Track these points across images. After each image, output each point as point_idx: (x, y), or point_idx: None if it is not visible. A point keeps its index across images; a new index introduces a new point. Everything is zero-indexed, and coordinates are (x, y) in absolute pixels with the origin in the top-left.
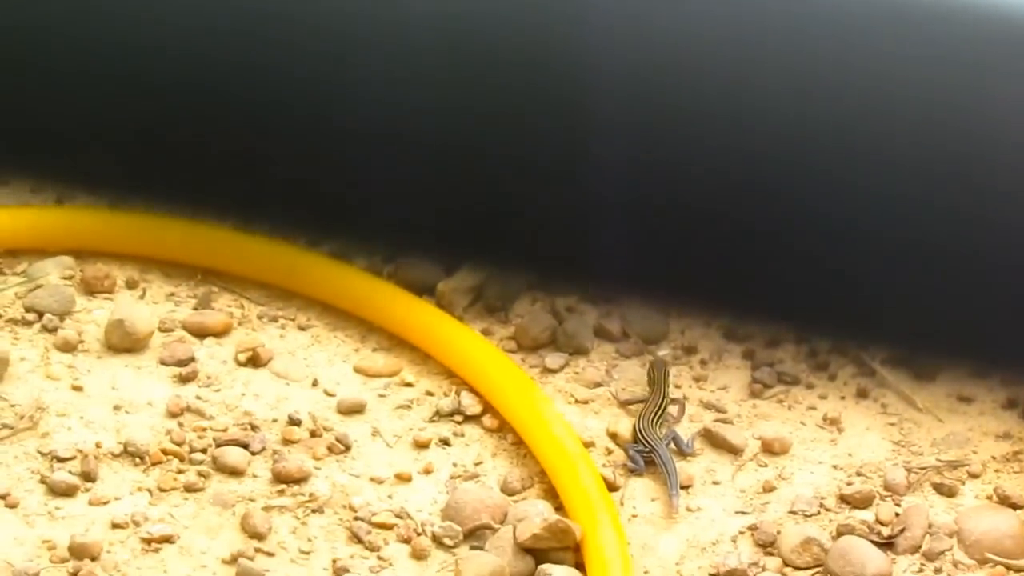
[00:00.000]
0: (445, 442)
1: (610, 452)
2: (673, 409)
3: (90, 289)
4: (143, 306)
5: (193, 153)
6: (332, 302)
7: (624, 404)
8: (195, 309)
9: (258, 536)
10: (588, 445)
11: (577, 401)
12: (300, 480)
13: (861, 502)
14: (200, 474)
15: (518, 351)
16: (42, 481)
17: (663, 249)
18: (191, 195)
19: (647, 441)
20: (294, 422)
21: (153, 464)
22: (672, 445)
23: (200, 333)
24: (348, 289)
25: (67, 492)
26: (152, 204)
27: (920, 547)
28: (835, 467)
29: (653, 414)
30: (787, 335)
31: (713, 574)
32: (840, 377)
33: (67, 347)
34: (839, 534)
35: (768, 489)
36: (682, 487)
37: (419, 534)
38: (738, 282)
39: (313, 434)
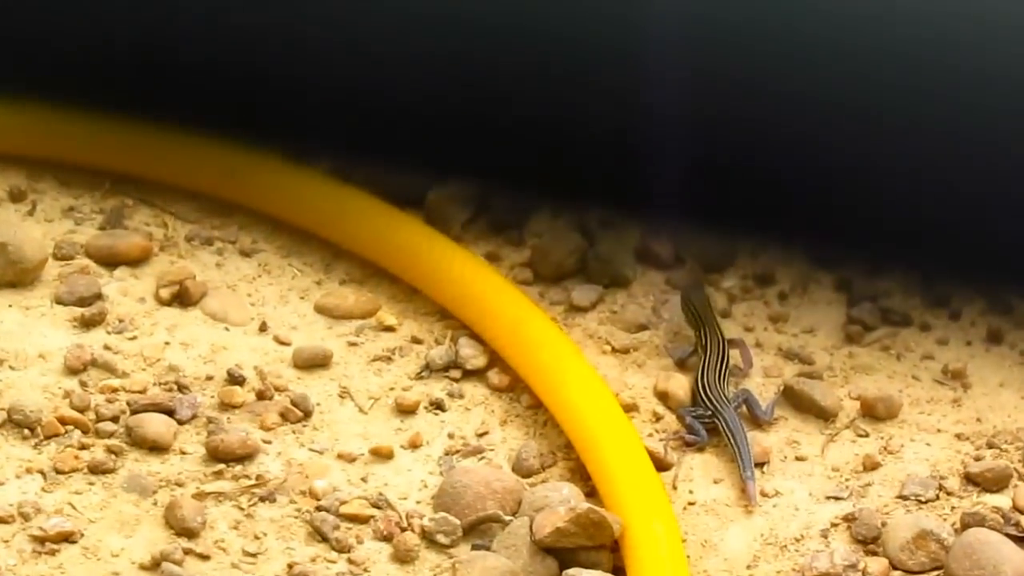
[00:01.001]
0: (438, 406)
1: (659, 418)
2: (736, 355)
3: None
4: (32, 225)
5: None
6: (286, 218)
7: (680, 362)
8: (102, 229)
9: (188, 533)
10: (629, 409)
11: (615, 350)
12: (244, 458)
13: (993, 483)
14: (110, 450)
15: (535, 282)
16: None
17: (725, 149)
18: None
19: (710, 403)
20: (235, 380)
21: (47, 437)
22: (743, 409)
23: (109, 261)
24: (307, 200)
25: None
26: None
27: None
28: (959, 437)
29: (716, 366)
30: (894, 261)
31: None
32: (966, 316)
33: None
34: (964, 526)
35: (870, 467)
36: (756, 465)
37: (404, 529)
38: (830, 191)
39: (261, 396)
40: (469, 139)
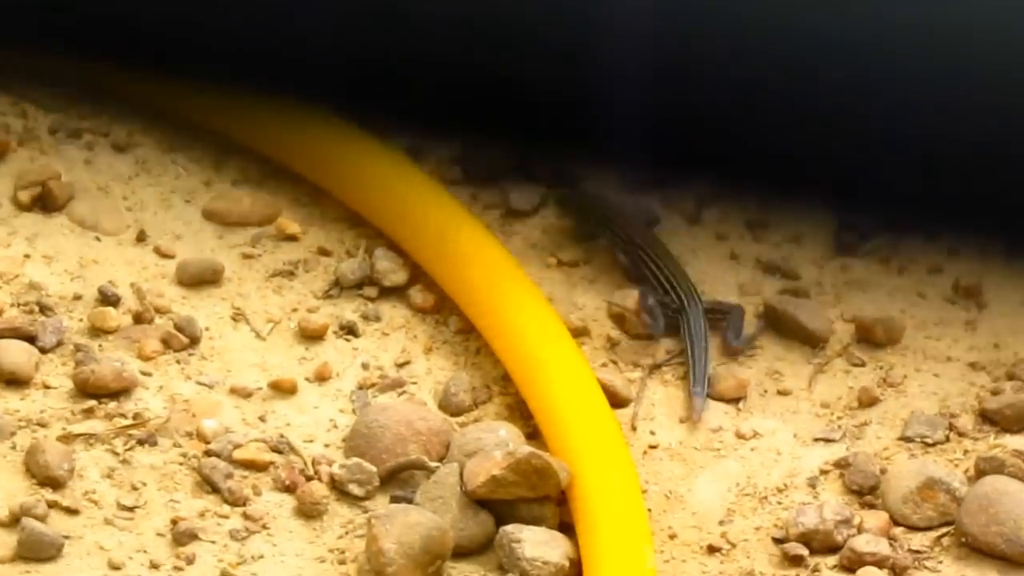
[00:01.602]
0: (350, 330)
1: (614, 344)
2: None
3: None
4: None
5: None
6: (167, 108)
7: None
8: None
9: (53, 482)
10: (579, 334)
11: (561, 263)
12: (119, 393)
13: (1014, 421)
14: None
15: (465, 182)
16: None
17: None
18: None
19: (675, 294)
20: (108, 300)
21: None
22: (719, 325)
23: None
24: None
25: None
26: None
27: None
28: (973, 366)
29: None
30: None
31: (780, 539)
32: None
33: None
34: (979, 473)
35: (866, 402)
36: (732, 399)
37: (309, 478)
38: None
39: (139, 319)
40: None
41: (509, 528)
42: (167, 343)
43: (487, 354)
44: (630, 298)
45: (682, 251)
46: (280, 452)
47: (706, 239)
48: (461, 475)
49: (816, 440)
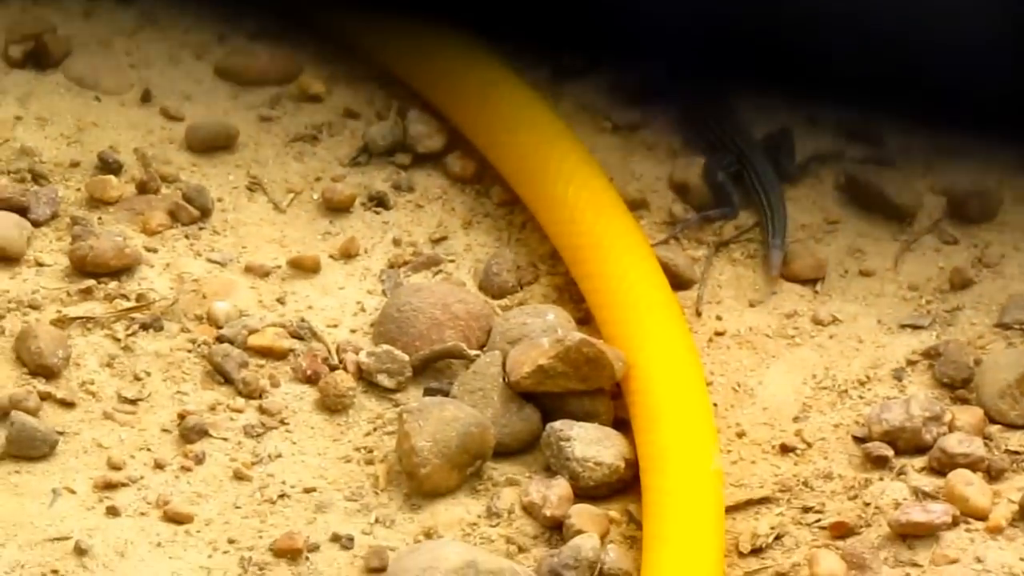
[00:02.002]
0: (379, 201)
1: (675, 220)
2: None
3: None
4: None
5: None
6: None
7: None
8: None
9: (46, 371)
10: (637, 206)
11: (616, 127)
12: (120, 272)
13: None
14: None
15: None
16: None
17: None
18: None
19: (732, 141)
20: (109, 168)
21: None
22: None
23: None
24: None
25: None
26: None
27: None
28: None
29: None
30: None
31: (861, 438)
32: None
33: None
34: None
35: (959, 284)
36: (808, 280)
37: (333, 368)
38: None
39: (143, 188)
40: None
41: (557, 424)
42: (174, 216)
43: (533, 229)
44: (693, 168)
45: (754, 114)
46: (301, 338)
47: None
48: (504, 365)
49: (902, 327)
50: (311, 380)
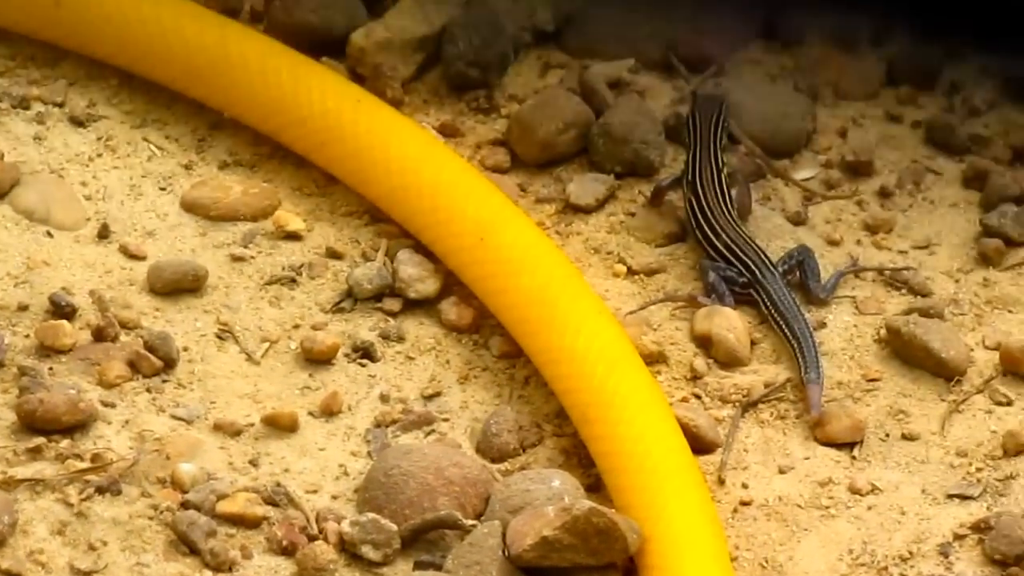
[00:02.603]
0: (365, 352)
1: (697, 376)
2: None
3: None
4: None
5: None
6: (134, 68)
7: (657, 192)
8: None
9: None
10: (654, 361)
11: (632, 271)
12: (73, 428)
13: None
14: None
15: (513, 169)
16: None
17: None
18: None
19: (736, 254)
20: (62, 312)
21: None
22: (796, 270)
23: None
24: (156, 39)
25: None
26: None
27: None
28: None
29: (714, 187)
30: None
31: None
32: None
33: None
34: None
35: (1013, 450)
36: (845, 444)
37: (313, 537)
38: None
39: (100, 335)
40: None
41: None
42: (135, 366)
43: (538, 384)
44: (717, 317)
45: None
46: (276, 505)
47: (815, 242)
48: (504, 536)
49: (949, 497)
50: (287, 552)
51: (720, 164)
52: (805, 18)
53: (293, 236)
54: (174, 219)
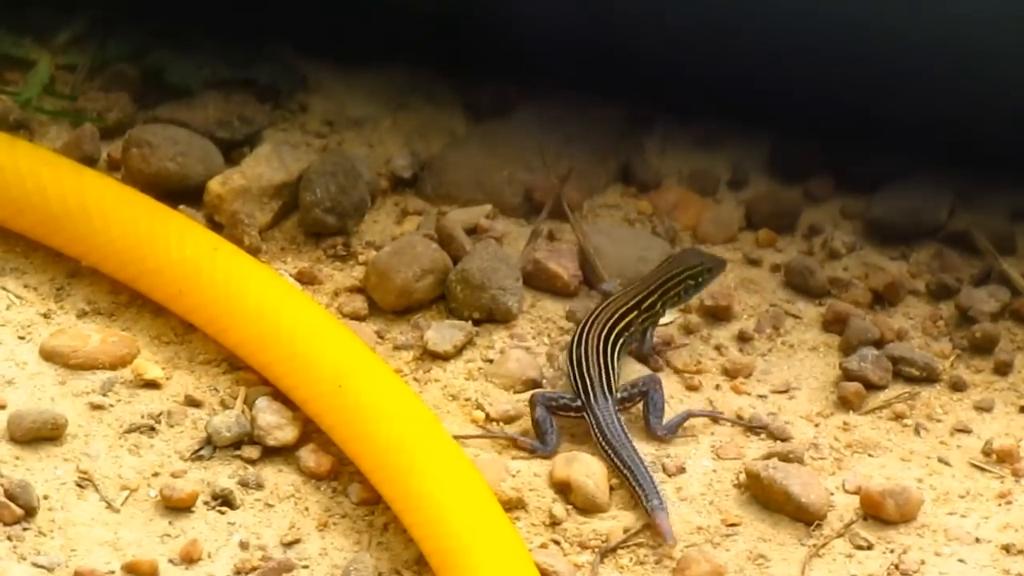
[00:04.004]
0: (224, 500)
1: (556, 522)
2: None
3: None
4: None
5: None
6: None
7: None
8: None
9: None
10: (513, 507)
11: (490, 419)
12: None
13: None
14: None
15: (371, 316)
16: None
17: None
18: None
19: (581, 380)
20: None
21: None
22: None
23: None
24: (14, 187)
25: None
26: None
27: None
28: (1007, 550)
29: (604, 322)
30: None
31: None
32: (1021, 367)
33: None
34: None
35: None
36: None
37: None
38: None
39: None
40: None
41: None
42: None
43: (397, 531)
44: (576, 463)
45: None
46: None
47: (674, 388)
48: None
49: None
50: None
51: (641, 304)
52: (662, 162)
53: (152, 384)
54: (33, 368)
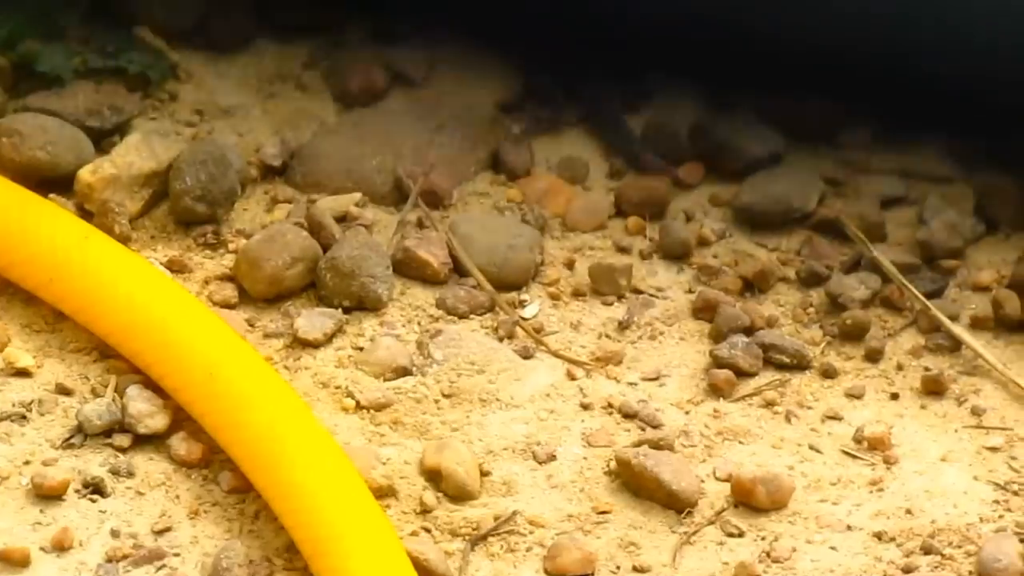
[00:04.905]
0: (96, 488)
1: (427, 509)
2: None
3: None
4: None
5: None
6: None
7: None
8: None
9: None
10: (384, 495)
11: (361, 406)
12: None
13: None
14: None
15: (241, 304)
16: None
17: None
18: None
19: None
20: None
21: None
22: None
23: None
24: None
25: None
26: None
27: None
28: (879, 537)
29: None
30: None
31: None
32: (890, 356)
33: None
34: None
35: None
36: None
37: None
38: None
39: None
40: None
41: None
42: None
43: (268, 519)
44: (447, 451)
45: None
46: None
47: (544, 376)
48: None
49: None
50: None
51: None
52: (531, 151)
53: (23, 373)
54: None
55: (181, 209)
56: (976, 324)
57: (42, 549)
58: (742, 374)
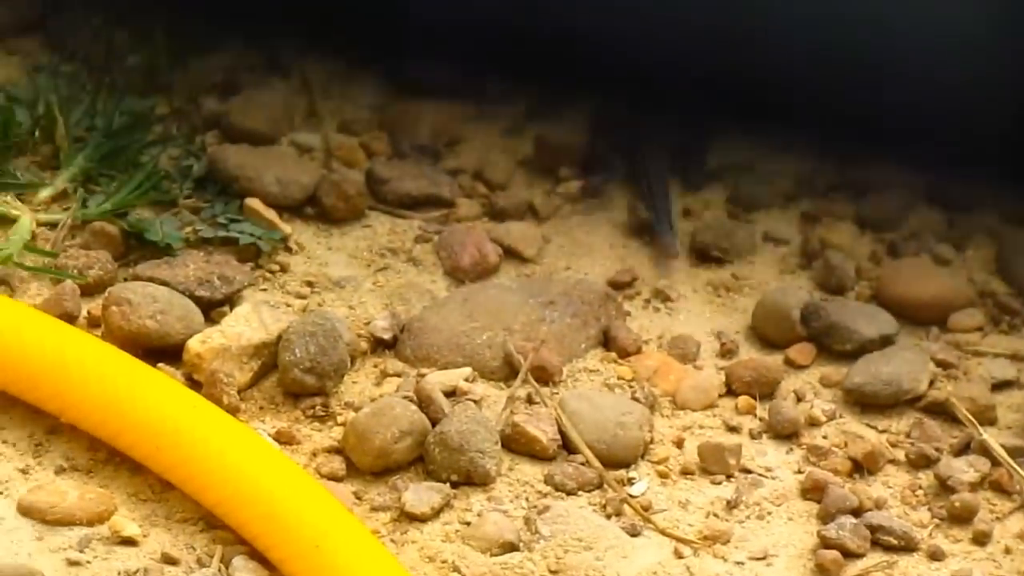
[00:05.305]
0: None
1: None
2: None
3: None
4: None
5: None
6: None
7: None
8: None
9: None
10: None
11: None
12: None
13: None
14: None
15: (349, 477)
16: None
17: None
18: None
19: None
20: None
21: None
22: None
23: None
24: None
25: None
26: None
27: None
28: None
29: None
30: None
31: None
32: (998, 536)
33: None
34: None
35: None
36: None
37: None
38: None
39: None
40: None
41: None
42: None
43: None
44: None
45: None
46: None
47: (652, 553)
48: None
49: None
50: None
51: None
52: (642, 328)
53: (129, 542)
54: (11, 523)
55: (290, 381)
56: None
57: None
58: (849, 555)
